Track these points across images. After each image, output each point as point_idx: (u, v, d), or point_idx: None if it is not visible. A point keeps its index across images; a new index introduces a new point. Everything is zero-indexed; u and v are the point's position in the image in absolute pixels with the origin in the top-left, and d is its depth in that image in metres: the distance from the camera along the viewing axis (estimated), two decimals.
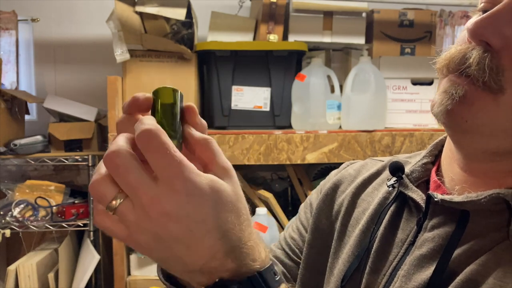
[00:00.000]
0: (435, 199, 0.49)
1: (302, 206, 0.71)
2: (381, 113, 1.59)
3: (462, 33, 0.49)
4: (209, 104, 1.64)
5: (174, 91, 0.41)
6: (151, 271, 1.59)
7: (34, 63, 1.97)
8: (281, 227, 1.64)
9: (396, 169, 0.56)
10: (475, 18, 0.47)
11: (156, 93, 0.42)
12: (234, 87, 1.62)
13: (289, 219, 1.64)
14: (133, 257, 1.62)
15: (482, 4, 0.48)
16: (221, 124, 1.61)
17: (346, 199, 0.63)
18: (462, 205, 0.47)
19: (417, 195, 0.53)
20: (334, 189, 0.65)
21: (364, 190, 0.62)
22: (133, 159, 0.37)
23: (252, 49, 1.60)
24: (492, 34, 0.44)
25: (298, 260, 0.65)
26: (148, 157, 0.37)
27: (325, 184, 0.68)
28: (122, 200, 0.37)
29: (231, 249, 0.39)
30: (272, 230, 1.55)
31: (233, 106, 1.62)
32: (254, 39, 1.72)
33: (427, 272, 0.47)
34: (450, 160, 0.53)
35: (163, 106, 0.41)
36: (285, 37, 1.69)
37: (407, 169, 0.56)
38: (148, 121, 0.38)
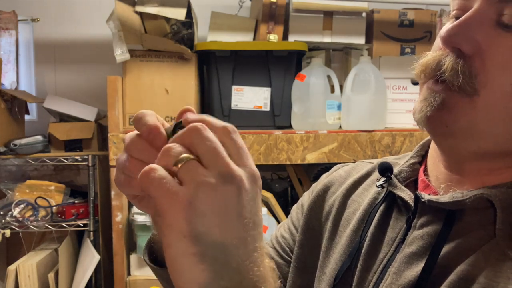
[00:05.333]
0: (422, 199, 0.51)
1: (294, 207, 0.72)
2: (381, 113, 1.59)
3: (437, 39, 0.51)
4: (209, 104, 1.64)
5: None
6: (151, 271, 1.59)
7: (34, 63, 1.97)
8: None
9: (385, 169, 0.58)
10: (448, 25, 0.49)
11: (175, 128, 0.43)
12: (234, 87, 1.62)
13: None
14: (133, 257, 1.61)
15: (454, 12, 0.50)
16: None
17: (337, 200, 0.64)
18: (448, 205, 0.49)
19: (406, 194, 0.54)
20: (325, 190, 0.67)
21: (354, 191, 0.64)
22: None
23: (252, 49, 1.60)
24: (464, 41, 0.46)
25: (289, 258, 0.67)
26: (232, 148, 0.40)
27: (316, 185, 0.69)
28: (191, 159, 0.38)
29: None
30: (272, 230, 1.56)
31: (233, 106, 1.62)
32: (254, 39, 1.72)
33: (417, 269, 0.49)
34: (435, 160, 0.55)
35: None
36: (285, 37, 1.69)
37: (396, 170, 0.58)
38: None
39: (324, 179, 0.70)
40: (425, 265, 0.48)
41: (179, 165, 0.37)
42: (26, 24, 1.93)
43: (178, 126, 0.42)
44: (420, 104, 0.50)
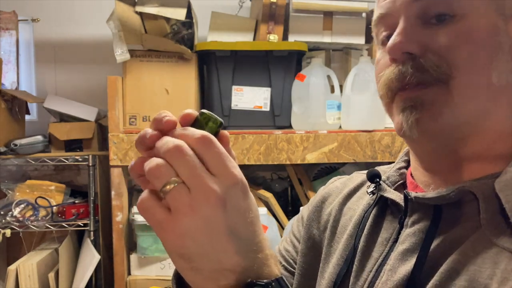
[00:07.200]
0: (409, 197, 0.53)
1: (294, 221, 0.75)
2: (381, 113, 1.59)
3: (379, 64, 0.55)
4: (209, 104, 1.64)
5: (216, 118, 0.45)
6: (151, 271, 1.59)
7: (34, 63, 1.98)
8: (281, 227, 1.64)
9: (373, 176, 0.60)
10: (379, 53, 0.54)
11: (202, 115, 0.45)
12: (234, 87, 1.62)
13: (289, 219, 1.65)
14: (133, 257, 1.62)
15: (385, 33, 0.55)
16: None
17: (334, 209, 0.67)
18: (434, 200, 0.52)
19: (396, 196, 0.57)
20: (323, 201, 0.70)
21: (349, 199, 0.67)
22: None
23: (252, 49, 1.61)
24: (410, 44, 0.51)
25: (292, 269, 0.70)
26: (208, 158, 0.41)
27: (315, 198, 0.73)
28: (178, 183, 0.40)
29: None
30: (272, 230, 1.56)
31: (233, 106, 1.62)
32: (254, 39, 1.72)
33: (410, 264, 0.51)
34: (417, 167, 0.58)
35: (204, 128, 0.44)
36: (285, 37, 1.69)
37: (384, 176, 0.61)
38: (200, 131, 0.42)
39: (321, 191, 0.73)
40: (417, 259, 0.50)
41: (168, 187, 0.40)
42: (26, 24, 1.93)
43: (202, 115, 0.44)
44: (402, 116, 0.52)
